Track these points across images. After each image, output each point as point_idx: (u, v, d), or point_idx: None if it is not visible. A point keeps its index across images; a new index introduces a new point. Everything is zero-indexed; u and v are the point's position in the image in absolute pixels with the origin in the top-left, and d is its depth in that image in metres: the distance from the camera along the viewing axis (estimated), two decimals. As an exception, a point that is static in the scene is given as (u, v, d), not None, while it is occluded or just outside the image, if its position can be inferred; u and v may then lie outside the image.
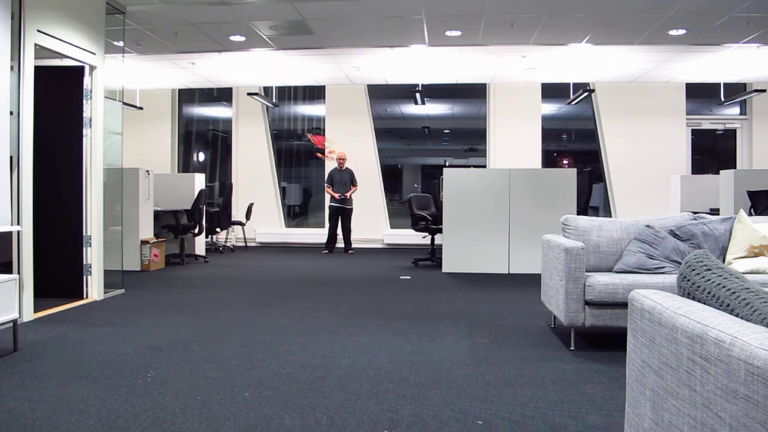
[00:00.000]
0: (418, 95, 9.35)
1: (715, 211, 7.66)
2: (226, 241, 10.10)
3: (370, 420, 2.43)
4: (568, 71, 8.93)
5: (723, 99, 9.45)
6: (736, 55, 7.68)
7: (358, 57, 8.16)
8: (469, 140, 13.48)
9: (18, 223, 4.27)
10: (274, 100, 10.06)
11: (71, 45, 4.95)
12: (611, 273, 3.69)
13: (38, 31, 4.51)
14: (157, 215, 7.93)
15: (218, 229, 9.28)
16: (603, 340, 3.78)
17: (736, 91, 9.38)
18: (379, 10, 6.13)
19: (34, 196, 4.46)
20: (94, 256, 5.27)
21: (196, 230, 8.08)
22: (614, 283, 3.46)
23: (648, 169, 9.77)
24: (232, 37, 7.08)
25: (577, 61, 8.22)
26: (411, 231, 8.48)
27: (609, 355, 3.41)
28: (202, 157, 11.84)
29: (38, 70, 4.54)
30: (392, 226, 10.33)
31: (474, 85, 10.13)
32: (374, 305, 5.02)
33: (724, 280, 1.36)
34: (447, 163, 14.32)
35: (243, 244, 10.12)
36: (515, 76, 9.39)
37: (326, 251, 9.37)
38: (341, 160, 9.38)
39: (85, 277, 5.25)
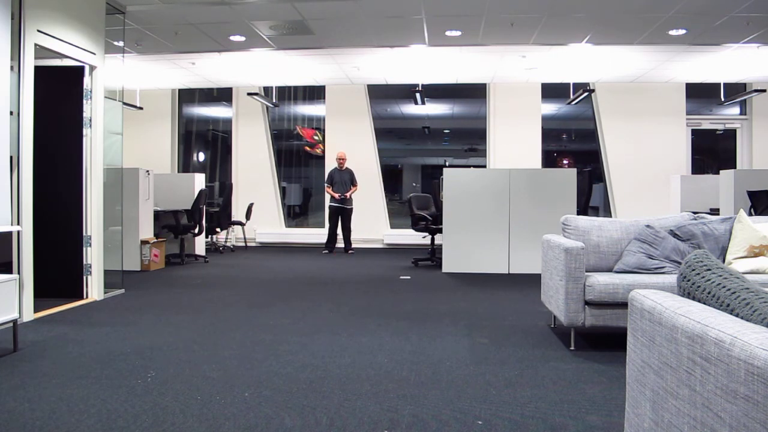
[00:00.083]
0: (418, 95, 9.35)
1: (715, 211, 7.66)
2: (226, 241, 10.10)
3: (370, 420, 2.43)
4: (568, 71, 8.93)
5: (723, 99, 9.45)
6: (736, 55, 7.68)
7: (358, 57, 8.16)
8: (469, 140, 13.48)
9: (18, 223, 4.28)
10: (274, 100, 10.06)
11: (71, 45, 4.95)
12: (611, 273, 3.69)
13: (38, 31, 4.51)
14: (157, 215, 7.93)
15: (218, 229, 9.28)
16: (603, 340, 3.78)
17: (736, 91, 9.38)
18: (379, 10, 6.13)
19: (34, 196, 4.46)
20: (94, 256, 5.27)
21: (196, 230, 8.08)
22: (614, 283, 3.46)
23: (648, 169, 9.77)
24: (232, 37, 7.08)
25: (577, 61, 8.22)
26: (411, 231, 8.48)
27: (609, 355, 3.41)
28: (202, 157, 11.84)
29: (38, 70, 4.54)
30: (392, 226, 10.33)
31: (474, 85, 10.13)
32: (374, 305, 5.02)
33: (724, 280, 1.36)
34: (447, 163, 14.32)
35: (243, 244, 10.12)
36: (515, 76, 9.39)
37: (326, 251, 9.37)
38: (341, 160, 9.36)
39: (85, 277, 5.25)
